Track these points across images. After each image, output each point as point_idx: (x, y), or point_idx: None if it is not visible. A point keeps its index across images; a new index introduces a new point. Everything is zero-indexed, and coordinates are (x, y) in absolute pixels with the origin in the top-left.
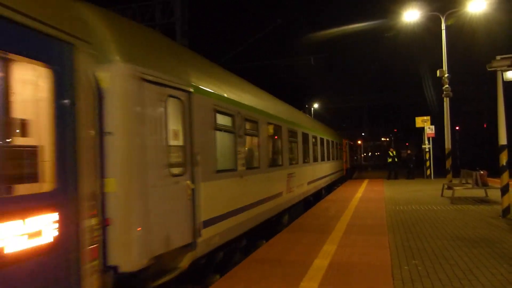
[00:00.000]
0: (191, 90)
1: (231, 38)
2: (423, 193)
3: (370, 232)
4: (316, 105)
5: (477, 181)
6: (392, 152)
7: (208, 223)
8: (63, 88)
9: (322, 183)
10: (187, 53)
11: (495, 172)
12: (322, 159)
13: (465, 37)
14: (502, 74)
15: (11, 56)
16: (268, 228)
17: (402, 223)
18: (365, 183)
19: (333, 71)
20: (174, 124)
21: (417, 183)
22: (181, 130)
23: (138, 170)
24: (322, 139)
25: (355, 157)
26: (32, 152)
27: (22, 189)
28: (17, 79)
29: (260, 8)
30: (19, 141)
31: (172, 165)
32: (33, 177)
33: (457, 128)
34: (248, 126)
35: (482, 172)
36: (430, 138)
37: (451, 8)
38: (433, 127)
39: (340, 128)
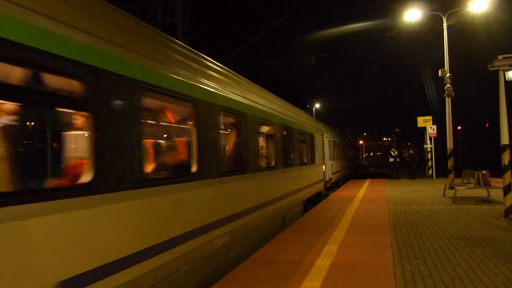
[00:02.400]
0: (327, 136)
1: (232, 37)
2: (425, 193)
3: (372, 232)
4: (317, 105)
5: (479, 181)
6: (394, 152)
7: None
8: (321, 141)
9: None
10: (321, 123)
11: (498, 171)
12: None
13: (467, 36)
14: (504, 74)
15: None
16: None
17: (404, 223)
18: (366, 183)
19: (334, 71)
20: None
21: (419, 183)
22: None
23: (325, 158)
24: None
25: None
26: (318, 154)
27: (310, 162)
28: (321, 142)
29: (261, 8)
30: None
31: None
32: (313, 161)
33: (459, 127)
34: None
35: (484, 171)
36: (432, 138)
37: (453, 8)
38: (435, 126)
39: (342, 128)
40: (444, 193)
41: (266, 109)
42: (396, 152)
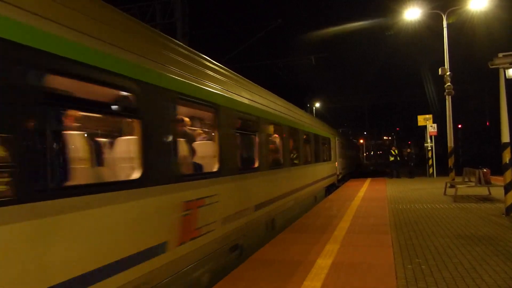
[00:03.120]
0: (338, 138)
1: (232, 37)
2: (426, 191)
3: (373, 231)
4: (317, 105)
5: (480, 179)
6: (394, 151)
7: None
8: (335, 143)
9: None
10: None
11: (498, 170)
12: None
13: (467, 35)
14: (505, 72)
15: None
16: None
17: (405, 221)
18: (367, 182)
19: (334, 70)
20: (336, 147)
21: (420, 182)
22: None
23: (336, 156)
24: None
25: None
26: (333, 154)
27: (329, 159)
28: (334, 144)
29: (261, 8)
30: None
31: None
32: (330, 158)
33: (459, 126)
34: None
35: (485, 170)
36: (433, 137)
37: (452, 6)
38: (435, 125)
39: (342, 128)
40: (444, 191)
41: (309, 126)
42: (396, 151)
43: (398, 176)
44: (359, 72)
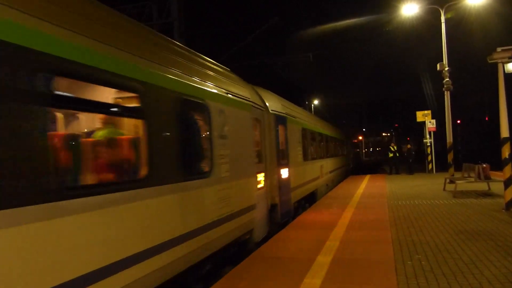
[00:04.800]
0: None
1: (229, 36)
2: (425, 187)
3: (372, 227)
4: (316, 102)
5: (479, 175)
6: (393, 147)
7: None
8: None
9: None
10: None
11: (498, 165)
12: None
13: (465, 30)
14: (504, 66)
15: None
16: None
17: (405, 218)
18: (366, 179)
19: (332, 67)
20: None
21: (419, 178)
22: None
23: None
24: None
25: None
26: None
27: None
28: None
29: (257, 6)
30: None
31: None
32: (344, 154)
33: (458, 121)
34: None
35: (484, 165)
36: (432, 133)
37: (450, 1)
38: (434, 121)
39: (341, 125)
40: (444, 187)
41: (331, 132)
42: (395, 147)
43: (397, 173)
44: (357, 68)
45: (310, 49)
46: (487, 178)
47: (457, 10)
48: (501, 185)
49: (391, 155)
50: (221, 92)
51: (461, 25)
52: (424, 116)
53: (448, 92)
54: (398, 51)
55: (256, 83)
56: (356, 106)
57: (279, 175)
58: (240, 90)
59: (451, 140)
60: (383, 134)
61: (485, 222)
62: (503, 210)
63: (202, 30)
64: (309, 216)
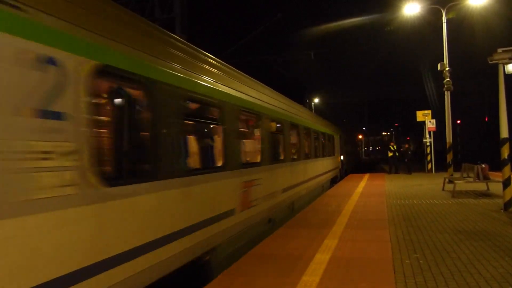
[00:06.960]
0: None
1: (231, 32)
2: (424, 187)
3: (371, 226)
4: (316, 100)
5: (478, 175)
6: (393, 147)
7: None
8: (338, 140)
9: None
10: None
11: (497, 165)
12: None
13: (466, 30)
14: (504, 67)
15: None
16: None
17: (403, 217)
18: (365, 178)
19: (333, 66)
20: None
21: (418, 178)
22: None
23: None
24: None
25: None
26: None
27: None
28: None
29: (260, 2)
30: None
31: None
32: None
33: (458, 122)
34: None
35: (483, 165)
36: (431, 132)
37: (452, 1)
38: (434, 121)
39: (341, 123)
40: (443, 187)
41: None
42: (395, 147)
43: (397, 172)
44: (358, 67)
45: (311, 48)
46: (486, 178)
47: (458, 11)
48: (500, 186)
49: (390, 154)
50: (336, 132)
51: (462, 25)
52: (424, 116)
53: (448, 92)
54: (399, 51)
55: (258, 78)
56: (356, 106)
57: None
58: (337, 130)
59: (451, 140)
60: (383, 133)
61: (484, 222)
62: (502, 210)
63: (204, 25)
64: (306, 214)
